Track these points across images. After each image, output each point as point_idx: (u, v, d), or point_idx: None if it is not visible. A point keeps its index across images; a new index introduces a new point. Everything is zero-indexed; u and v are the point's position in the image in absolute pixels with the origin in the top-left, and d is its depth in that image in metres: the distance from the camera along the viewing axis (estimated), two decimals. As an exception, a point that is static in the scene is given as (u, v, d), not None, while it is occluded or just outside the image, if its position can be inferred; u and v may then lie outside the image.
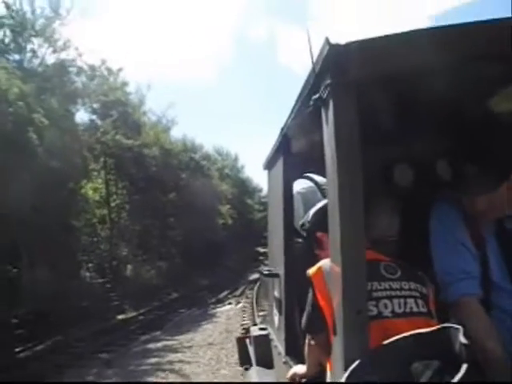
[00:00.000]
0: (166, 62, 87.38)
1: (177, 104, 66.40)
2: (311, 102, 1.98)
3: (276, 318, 3.74)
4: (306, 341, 2.44)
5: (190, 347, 13.07)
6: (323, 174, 3.04)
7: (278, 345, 3.59)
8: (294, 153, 3.21)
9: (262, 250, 72.28)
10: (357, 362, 1.69)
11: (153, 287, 28.68)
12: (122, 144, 25.05)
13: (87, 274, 26.35)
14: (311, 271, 2.22)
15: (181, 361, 11.70)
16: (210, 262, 36.57)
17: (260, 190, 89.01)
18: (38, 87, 20.07)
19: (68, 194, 24.08)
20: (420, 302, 2.10)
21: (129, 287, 26.26)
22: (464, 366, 1.45)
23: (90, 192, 28.59)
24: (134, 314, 21.04)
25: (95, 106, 27.06)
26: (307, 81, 2.12)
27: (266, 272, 4.09)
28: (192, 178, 35.50)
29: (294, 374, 2.71)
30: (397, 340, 1.75)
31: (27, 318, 17.45)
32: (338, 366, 1.87)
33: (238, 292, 26.06)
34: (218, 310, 20.27)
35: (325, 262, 2.17)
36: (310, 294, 2.21)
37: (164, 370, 11.03)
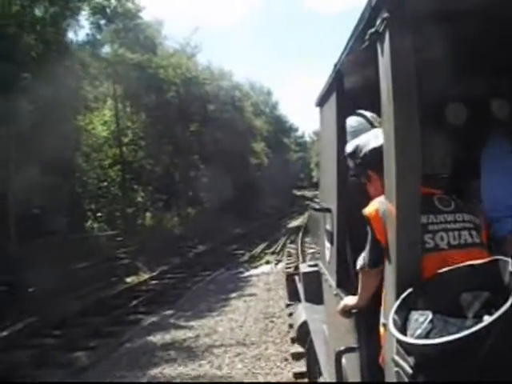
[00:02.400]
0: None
1: (201, 36, 59.90)
2: (367, 37, 1.93)
3: (327, 252, 3.65)
4: (361, 275, 2.40)
5: (208, 348, 8.34)
6: (376, 112, 2.96)
7: (329, 278, 3.53)
8: (347, 89, 3.12)
9: (298, 193, 68.54)
10: (408, 291, 1.75)
11: (175, 238, 24.21)
12: (127, 59, 19.71)
13: (95, 224, 21.88)
14: (368, 212, 2.22)
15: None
16: (243, 207, 31.74)
17: (296, 130, 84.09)
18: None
19: (67, 127, 19.63)
20: (474, 232, 2.13)
21: (145, 240, 21.78)
22: None
23: (100, 127, 23.93)
24: (145, 276, 16.57)
25: (102, 22, 21.99)
26: (362, 15, 2.08)
27: (318, 207, 3.99)
28: (221, 110, 30.22)
29: (345, 306, 2.71)
30: (448, 271, 1.79)
31: (-4, 289, 13.03)
32: (390, 296, 1.92)
33: (277, 245, 21.11)
34: (253, 272, 15.51)
35: (379, 201, 2.17)
36: (369, 233, 2.22)
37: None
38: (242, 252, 20.27)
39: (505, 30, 2.30)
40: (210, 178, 28.04)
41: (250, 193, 34.15)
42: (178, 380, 7.19)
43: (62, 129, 19.19)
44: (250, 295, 11.96)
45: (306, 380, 6.08)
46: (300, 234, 22.29)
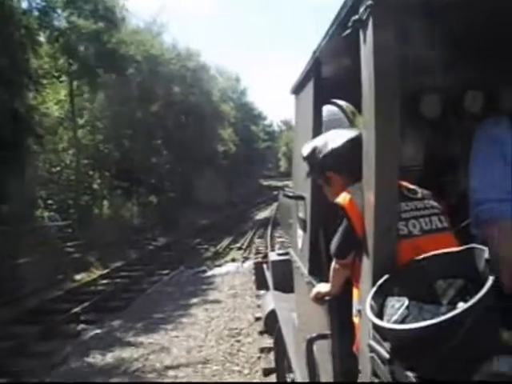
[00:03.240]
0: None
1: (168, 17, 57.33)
2: (350, 24, 1.93)
3: (299, 240, 3.57)
4: (333, 264, 2.38)
5: (158, 379, 6.67)
6: (352, 101, 3.24)
7: (301, 266, 3.45)
8: (324, 77, 3.04)
9: (265, 182, 66.98)
10: (384, 278, 1.75)
11: (134, 230, 22.36)
12: (80, 27, 17.57)
13: (46, 213, 19.83)
14: (342, 201, 2.20)
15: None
16: (209, 197, 29.93)
17: (264, 118, 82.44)
18: None
19: (13, 105, 17.73)
20: (442, 217, 2.18)
21: (100, 231, 19.88)
22: (490, 279, 1.48)
23: (55, 108, 21.82)
24: (96, 273, 14.72)
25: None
26: (345, 2, 2.03)
27: (291, 194, 3.89)
28: (186, 94, 28.24)
29: (318, 293, 2.67)
30: (424, 258, 1.81)
31: None
32: (366, 282, 1.93)
33: (244, 240, 19.40)
34: (217, 272, 13.79)
35: (352, 192, 2.19)
36: (343, 222, 2.19)
37: None
38: (205, 247, 18.52)
39: (487, 21, 2.25)
40: (174, 165, 26.16)
41: (216, 181, 32.37)
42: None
43: (7, 107, 17.33)
44: (213, 302, 10.27)
45: None
46: (269, 228, 20.63)
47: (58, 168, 21.29)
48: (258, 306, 8.87)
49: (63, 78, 21.07)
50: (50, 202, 20.30)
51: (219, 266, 14.65)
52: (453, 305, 1.54)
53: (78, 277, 14.63)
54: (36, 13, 16.59)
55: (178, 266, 14.92)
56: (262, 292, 7.57)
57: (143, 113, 23.98)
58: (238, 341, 7.73)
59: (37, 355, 8.05)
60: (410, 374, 1.48)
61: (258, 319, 8.30)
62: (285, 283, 4.64)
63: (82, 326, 9.74)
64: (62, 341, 8.73)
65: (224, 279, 12.52)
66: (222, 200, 34.87)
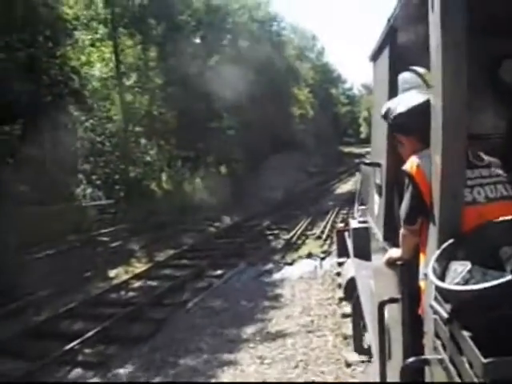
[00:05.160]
0: None
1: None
2: None
3: (376, 207, 3.61)
4: (402, 230, 2.39)
5: None
6: (428, 67, 2.93)
7: (377, 231, 3.48)
8: (400, 44, 3.02)
9: (345, 150, 62.38)
10: (449, 242, 1.79)
11: (195, 208, 19.01)
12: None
13: (89, 190, 16.85)
14: (410, 167, 2.22)
15: None
16: (283, 166, 26.16)
17: (344, 81, 77.33)
18: None
19: (46, 64, 14.97)
20: (508, 186, 2.16)
21: (152, 210, 16.73)
22: None
23: (98, 65, 18.68)
24: (136, 269, 11.51)
25: None
26: None
27: (368, 161, 3.97)
28: (255, 48, 24.34)
29: (390, 258, 2.68)
30: (490, 224, 1.82)
31: None
32: (431, 247, 1.97)
33: (324, 224, 15.35)
34: (287, 274, 10.08)
35: (418, 157, 2.21)
36: (410, 189, 2.22)
37: None
38: (275, 232, 14.80)
39: None
40: (240, 131, 22.48)
41: (291, 149, 28.55)
42: None
43: (38, 65, 14.47)
44: (275, 340, 6.60)
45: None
46: (355, 207, 16.65)
47: (103, 137, 18.17)
48: (348, 365, 5.20)
49: (104, 29, 17.78)
50: (93, 177, 17.32)
51: (291, 263, 10.94)
52: None
53: (112, 273, 11.45)
54: None
55: (237, 261, 11.35)
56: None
57: (202, 71, 20.40)
58: None
59: None
60: (466, 333, 1.48)
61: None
62: (365, 250, 4.47)
63: (77, 371, 6.43)
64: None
65: (295, 290, 8.81)
66: (298, 169, 31.08)
